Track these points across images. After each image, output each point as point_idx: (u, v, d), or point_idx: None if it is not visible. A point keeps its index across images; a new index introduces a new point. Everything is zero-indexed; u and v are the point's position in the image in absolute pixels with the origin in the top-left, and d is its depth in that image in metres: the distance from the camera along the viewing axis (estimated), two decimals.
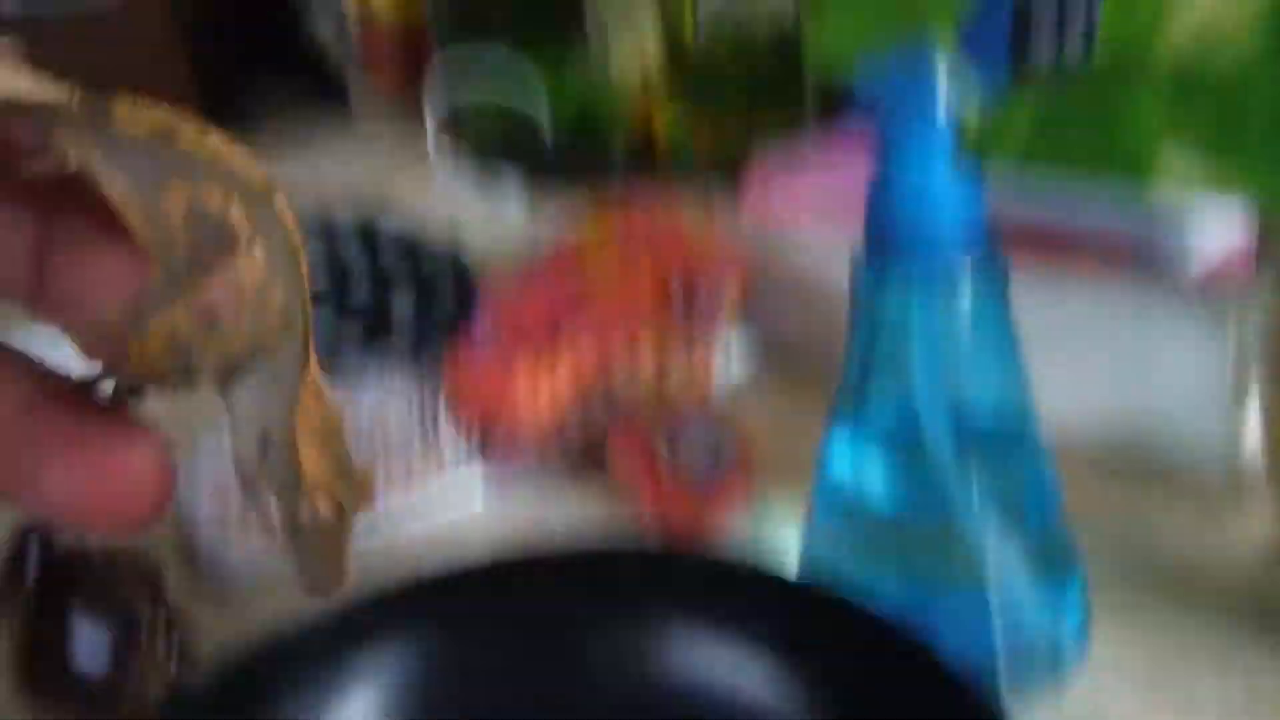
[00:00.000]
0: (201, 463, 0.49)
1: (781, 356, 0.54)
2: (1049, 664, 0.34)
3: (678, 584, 0.33)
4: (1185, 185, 0.17)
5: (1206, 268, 0.43)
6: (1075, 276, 0.44)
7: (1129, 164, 0.17)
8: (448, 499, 0.47)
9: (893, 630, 0.30)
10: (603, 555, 0.34)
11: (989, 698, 0.27)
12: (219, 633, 0.42)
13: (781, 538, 0.42)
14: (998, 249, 0.34)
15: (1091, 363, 0.44)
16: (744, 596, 0.32)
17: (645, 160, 0.78)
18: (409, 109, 0.89)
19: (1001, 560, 0.34)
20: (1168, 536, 0.39)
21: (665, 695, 0.31)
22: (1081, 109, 0.19)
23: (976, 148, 0.20)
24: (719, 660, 0.32)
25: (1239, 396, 0.41)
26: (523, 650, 0.33)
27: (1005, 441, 0.36)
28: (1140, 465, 0.43)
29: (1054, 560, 0.36)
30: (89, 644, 0.35)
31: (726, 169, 0.74)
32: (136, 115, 0.15)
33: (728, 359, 0.52)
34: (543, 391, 0.45)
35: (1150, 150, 0.18)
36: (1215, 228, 0.43)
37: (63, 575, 0.37)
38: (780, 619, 0.32)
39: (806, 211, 0.53)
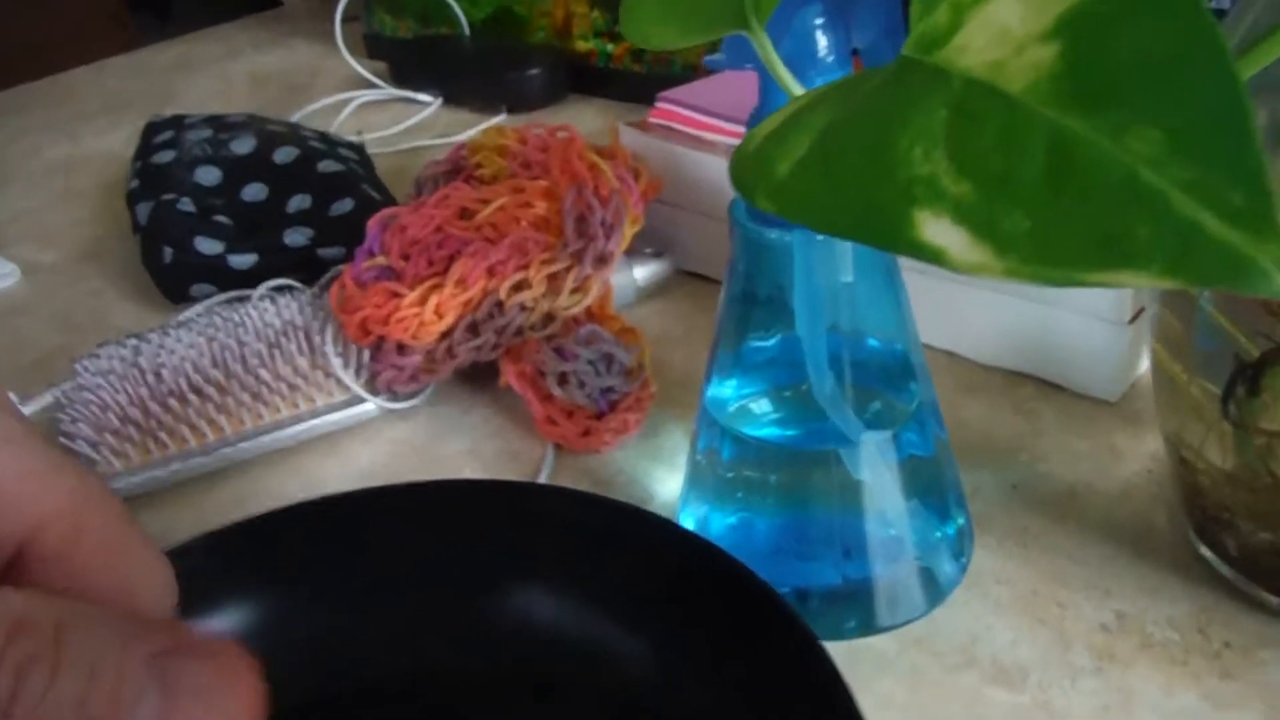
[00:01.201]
0: (82, 380, 0.47)
1: (693, 266, 0.53)
2: (926, 592, 0.34)
3: (523, 518, 0.32)
4: (944, 264, 0.14)
5: None
6: None
7: (880, 228, 0.14)
8: (334, 413, 0.45)
9: (731, 566, 0.29)
10: (452, 490, 0.33)
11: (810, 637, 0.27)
12: None
13: (674, 455, 0.42)
14: None
15: (999, 284, 0.43)
16: (588, 533, 0.31)
17: (564, 63, 0.76)
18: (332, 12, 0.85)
19: (880, 484, 0.33)
20: (1059, 459, 0.39)
21: (502, 630, 0.31)
22: (858, 135, 0.16)
23: (737, 179, 0.17)
24: (555, 598, 0.31)
25: (1137, 320, 0.40)
26: (363, 584, 0.31)
27: (888, 370, 0.35)
28: (1037, 385, 0.43)
29: (933, 483, 0.35)
30: None
31: (647, 75, 0.71)
32: None
33: (633, 270, 0.51)
34: (430, 307, 0.43)
35: (903, 212, 0.14)
36: None
37: None
38: (621, 557, 0.31)
39: (716, 125, 0.51)
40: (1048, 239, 0.14)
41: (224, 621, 0.30)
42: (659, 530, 0.31)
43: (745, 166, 0.17)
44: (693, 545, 0.31)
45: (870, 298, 0.33)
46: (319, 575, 0.31)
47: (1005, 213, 0.14)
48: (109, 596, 0.17)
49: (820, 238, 0.31)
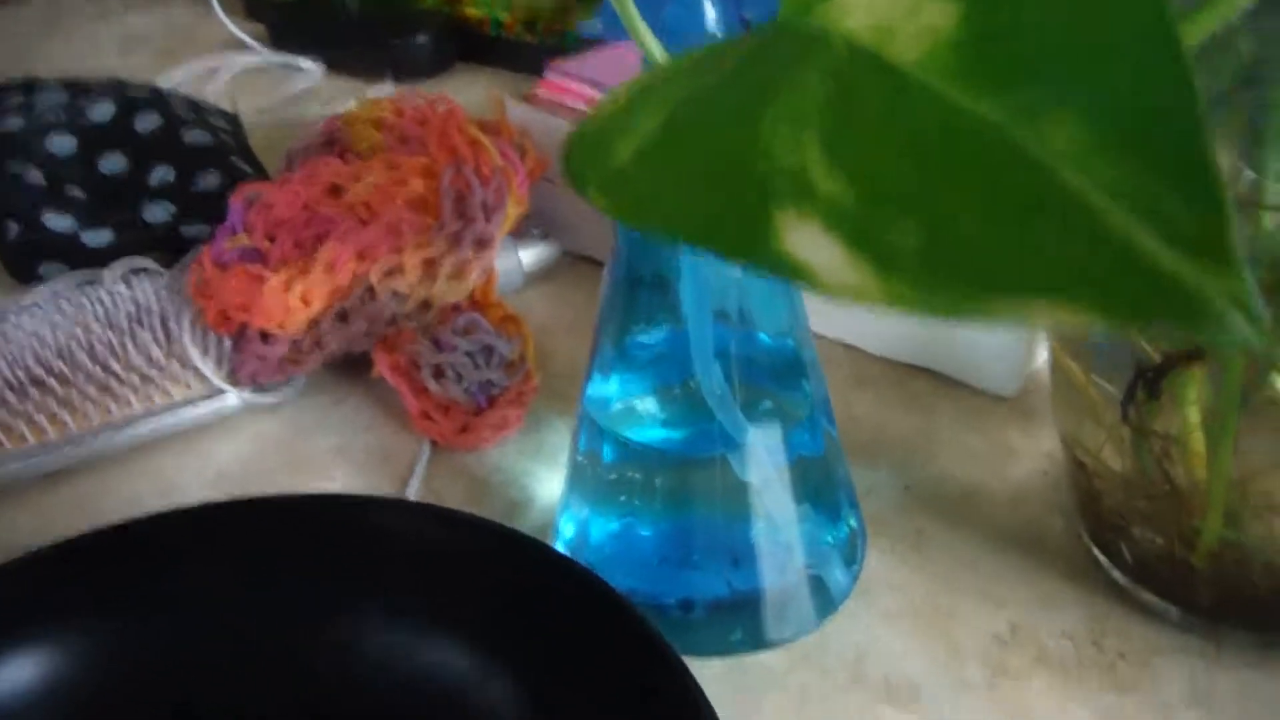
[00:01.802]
0: None
1: (583, 248, 0.50)
2: (816, 602, 0.32)
3: (364, 536, 0.29)
4: (812, 284, 0.11)
5: None
6: None
7: (732, 235, 0.11)
8: (191, 407, 0.42)
9: (582, 577, 0.27)
10: (278, 506, 0.30)
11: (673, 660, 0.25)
12: None
13: (556, 452, 0.39)
14: None
15: None
16: (437, 545, 0.29)
17: (453, 31, 0.72)
18: None
19: (768, 486, 0.32)
20: (953, 457, 0.38)
21: (342, 662, 0.28)
22: (713, 114, 0.13)
23: (568, 166, 0.14)
24: (399, 625, 0.28)
25: None
26: (189, 614, 0.28)
27: (778, 367, 0.33)
28: (931, 379, 0.41)
29: (823, 484, 0.33)
30: None
31: (540, 45, 0.68)
32: None
33: (518, 253, 0.48)
34: (296, 293, 0.40)
35: (761, 213, 0.11)
36: None
37: None
38: (474, 578, 0.28)
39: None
40: (944, 258, 0.11)
41: (32, 658, 0.27)
42: (515, 548, 0.29)
43: (580, 151, 0.14)
44: (549, 562, 0.28)
45: (760, 287, 0.31)
46: (136, 604, 0.28)
47: (891, 221, 0.11)
48: None
49: None
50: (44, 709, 0.26)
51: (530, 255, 0.49)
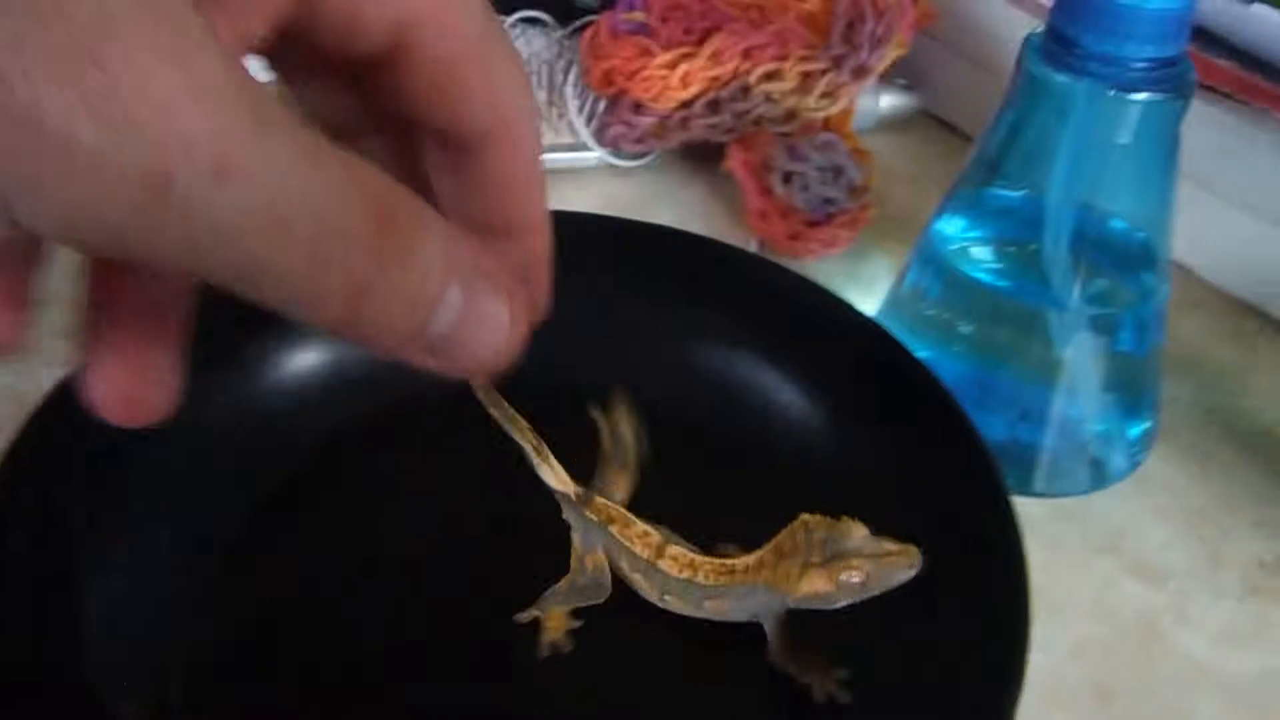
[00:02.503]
0: None
1: (940, 110, 0.51)
2: (1090, 475, 0.34)
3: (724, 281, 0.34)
4: None
5: None
6: (1267, 114, 0.40)
7: None
8: (557, 153, 0.46)
9: (917, 370, 0.31)
10: (654, 232, 0.35)
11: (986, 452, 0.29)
12: None
13: (872, 282, 0.42)
14: (1189, 62, 0.31)
15: (1256, 205, 0.41)
16: (789, 307, 0.34)
17: None
18: None
19: (1080, 365, 0.33)
20: (1265, 396, 0.38)
21: (706, 376, 0.32)
22: None
23: None
24: (745, 356, 0.33)
25: None
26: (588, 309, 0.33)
27: (1126, 257, 0.34)
28: (1261, 320, 0.41)
29: (1133, 383, 0.34)
30: None
31: None
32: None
33: (879, 96, 0.50)
34: (678, 73, 0.43)
35: None
36: None
37: None
38: (815, 336, 0.33)
39: None
40: None
41: None
42: (872, 334, 0.33)
43: None
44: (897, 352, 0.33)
45: (1138, 173, 0.32)
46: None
47: None
48: (468, 106, 0.17)
49: (1110, 92, 0.30)
50: None
51: (889, 101, 0.50)
